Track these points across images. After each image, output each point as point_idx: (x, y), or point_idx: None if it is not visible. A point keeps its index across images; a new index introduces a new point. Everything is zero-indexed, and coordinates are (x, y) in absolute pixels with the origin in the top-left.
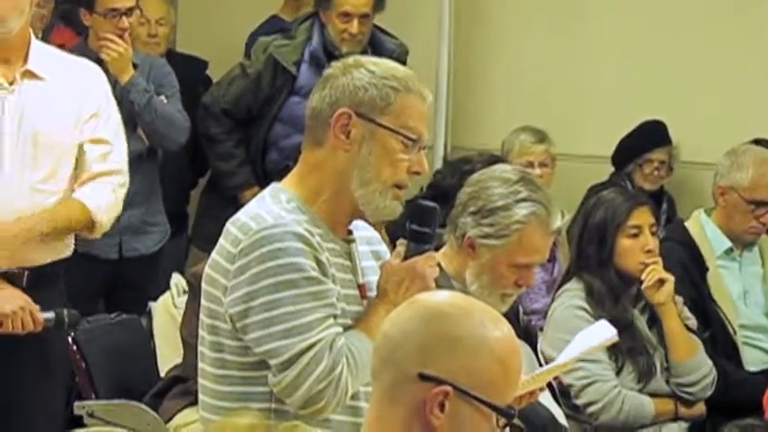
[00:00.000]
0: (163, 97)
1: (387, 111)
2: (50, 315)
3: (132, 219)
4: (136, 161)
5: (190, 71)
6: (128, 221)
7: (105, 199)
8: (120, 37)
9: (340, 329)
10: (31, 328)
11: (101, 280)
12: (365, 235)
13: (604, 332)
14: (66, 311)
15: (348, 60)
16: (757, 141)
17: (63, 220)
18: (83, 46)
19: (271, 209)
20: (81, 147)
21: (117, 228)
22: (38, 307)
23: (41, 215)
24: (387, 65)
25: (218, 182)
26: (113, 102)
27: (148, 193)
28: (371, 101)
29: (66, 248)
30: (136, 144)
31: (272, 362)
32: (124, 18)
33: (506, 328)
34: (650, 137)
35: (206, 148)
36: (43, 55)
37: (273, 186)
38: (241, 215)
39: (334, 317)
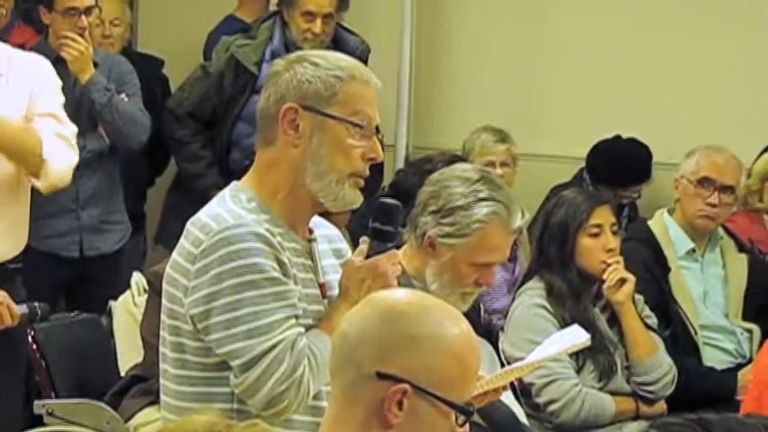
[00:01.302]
0: (124, 96)
1: (332, 101)
2: (24, 309)
3: (93, 217)
4: (96, 159)
5: (146, 70)
6: (88, 220)
7: (61, 148)
8: (81, 36)
9: (302, 330)
10: (9, 322)
11: (62, 278)
12: (326, 233)
13: (577, 336)
14: (37, 304)
15: (291, 56)
16: None
17: (16, 130)
18: (43, 44)
19: (231, 209)
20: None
21: (77, 226)
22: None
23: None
24: (332, 56)
25: (186, 184)
26: (61, 95)
27: (109, 191)
28: (316, 92)
29: (23, 242)
30: (97, 142)
31: (234, 363)
32: (83, 17)
33: (464, 326)
34: (638, 172)
35: (173, 151)
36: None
37: (233, 186)
38: (201, 215)
39: (296, 317)
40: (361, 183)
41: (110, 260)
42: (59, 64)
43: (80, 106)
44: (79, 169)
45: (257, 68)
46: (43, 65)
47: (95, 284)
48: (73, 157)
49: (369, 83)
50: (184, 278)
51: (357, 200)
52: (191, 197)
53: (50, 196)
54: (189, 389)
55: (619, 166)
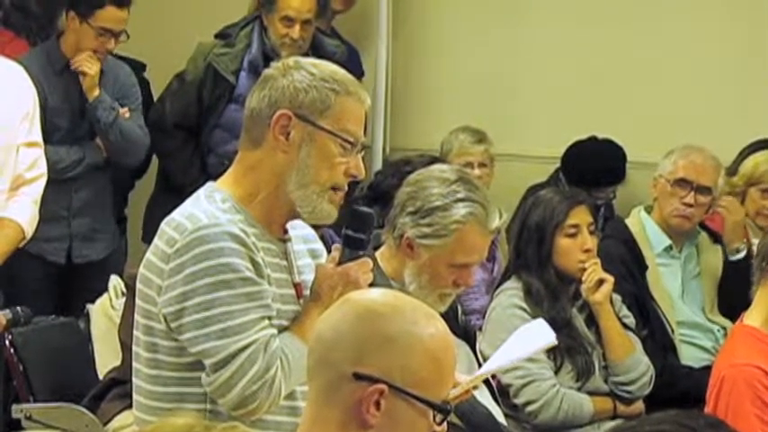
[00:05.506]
0: (126, 110)
1: (326, 113)
2: (8, 314)
3: (83, 226)
4: (92, 172)
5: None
6: (79, 228)
7: (30, 214)
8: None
9: (275, 331)
10: None
11: (48, 282)
12: (302, 233)
13: (544, 337)
14: (20, 309)
15: (288, 61)
16: (757, 143)
17: (8, 245)
18: (53, 46)
19: (206, 208)
20: (17, 149)
21: (68, 233)
22: None
23: None
24: (327, 67)
25: (177, 191)
26: (38, 101)
27: (100, 202)
28: (312, 103)
29: None
30: (95, 155)
31: (207, 362)
32: (113, 40)
33: (440, 325)
34: (612, 174)
35: (164, 163)
36: None
37: (208, 186)
38: (176, 215)
39: (269, 318)
40: (338, 198)
41: (97, 267)
42: (67, 70)
43: (81, 116)
44: (74, 180)
45: (235, 77)
46: (21, 73)
47: (84, 291)
48: (36, 216)
49: (362, 101)
50: (158, 278)
51: (332, 215)
52: (175, 198)
53: (43, 203)
54: (162, 389)
55: (592, 167)
